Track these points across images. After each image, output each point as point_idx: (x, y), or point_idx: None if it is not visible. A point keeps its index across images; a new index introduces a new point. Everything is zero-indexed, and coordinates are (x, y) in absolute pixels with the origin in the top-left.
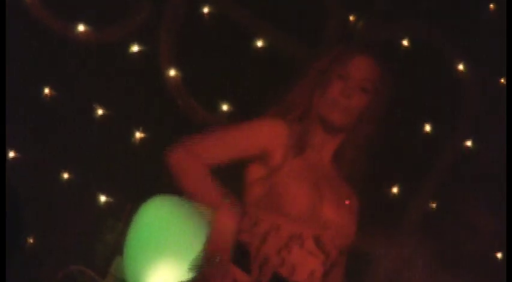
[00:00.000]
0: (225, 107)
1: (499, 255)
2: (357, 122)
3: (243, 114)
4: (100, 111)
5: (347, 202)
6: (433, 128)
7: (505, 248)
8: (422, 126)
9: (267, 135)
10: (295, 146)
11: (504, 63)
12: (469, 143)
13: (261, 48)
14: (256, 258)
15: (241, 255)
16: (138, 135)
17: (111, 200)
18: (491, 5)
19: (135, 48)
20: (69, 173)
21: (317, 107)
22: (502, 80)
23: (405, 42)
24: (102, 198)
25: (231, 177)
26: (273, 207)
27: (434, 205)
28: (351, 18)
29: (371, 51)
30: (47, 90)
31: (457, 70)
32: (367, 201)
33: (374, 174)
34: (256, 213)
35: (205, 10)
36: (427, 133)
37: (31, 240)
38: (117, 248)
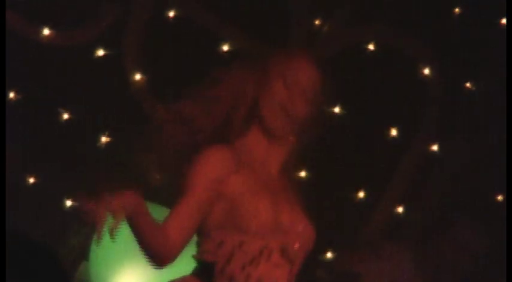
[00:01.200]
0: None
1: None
2: (299, 133)
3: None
4: (66, 116)
5: None
6: (399, 131)
7: (505, 248)
8: (388, 130)
9: (214, 173)
10: (241, 161)
11: (504, 63)
12: (434, 147)
13: (227, 51)
14: (221, 276)
15: (205, 270)
16: (104, 139)
17: (76, 204)
18: (456, 9)
19: (100, 52)
20: (35, 178)
21: (261, 110)
22: (468, 84)
23: (371, 46)
24: (68, 203)
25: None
26: (235, 226)
27: (400, 209)
28: (317, 22)
29: (313, 55)
30: (12, 94)
31: (422, 74)
32: (333, 207)
33: (340, 179)
34: (219, 235)
35: (171, 14)
36: (393, 137)
37: None
38: (82, 253)
